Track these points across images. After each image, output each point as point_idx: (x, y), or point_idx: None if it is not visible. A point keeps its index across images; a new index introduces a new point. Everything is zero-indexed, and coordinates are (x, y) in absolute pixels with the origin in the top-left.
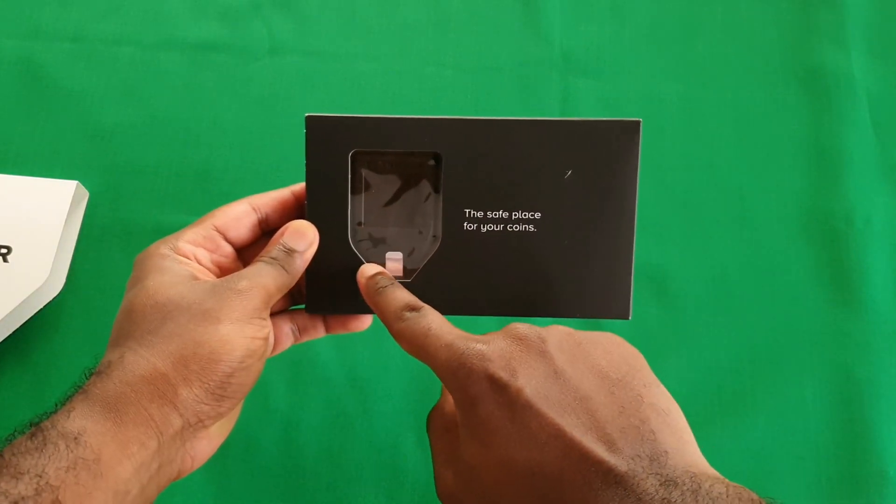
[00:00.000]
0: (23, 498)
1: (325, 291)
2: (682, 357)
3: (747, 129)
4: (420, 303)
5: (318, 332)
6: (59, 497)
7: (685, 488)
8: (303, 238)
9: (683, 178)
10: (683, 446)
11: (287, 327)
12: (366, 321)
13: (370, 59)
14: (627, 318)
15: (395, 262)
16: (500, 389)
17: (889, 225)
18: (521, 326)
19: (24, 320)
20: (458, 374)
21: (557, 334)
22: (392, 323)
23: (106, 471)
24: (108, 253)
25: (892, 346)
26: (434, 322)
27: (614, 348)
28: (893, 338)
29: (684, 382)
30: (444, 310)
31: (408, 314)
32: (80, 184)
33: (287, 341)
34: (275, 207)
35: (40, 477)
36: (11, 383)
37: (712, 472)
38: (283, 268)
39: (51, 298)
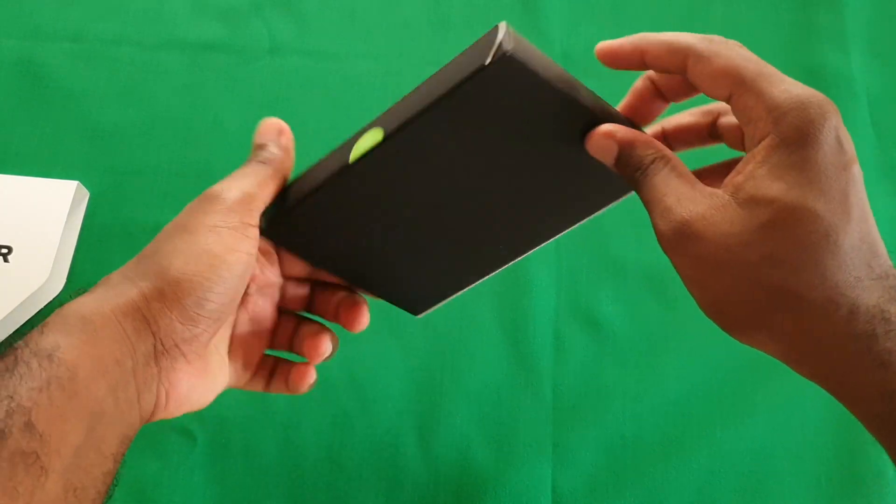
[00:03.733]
0: None
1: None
2: (682, 357)
3: None
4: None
5: (257, 385)
6: (32, 419)
7: None
8: (270, 128)
9: None
10: None
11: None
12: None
13: (370, 59)
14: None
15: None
16: (841, 150)
17: (889, 225)
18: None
19: (24, 320)
20: (809, 110)
21: None
22: (697, 44)
23: (80, 389)
24: (108, 253)
25: None
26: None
27: None
28: None
29: (684, 382)
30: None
31: (718, 39)
32: (80, 184)
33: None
34: None
35: (11, 398)
36: None
37: None
38: (260, 161)
39: (51, 298)
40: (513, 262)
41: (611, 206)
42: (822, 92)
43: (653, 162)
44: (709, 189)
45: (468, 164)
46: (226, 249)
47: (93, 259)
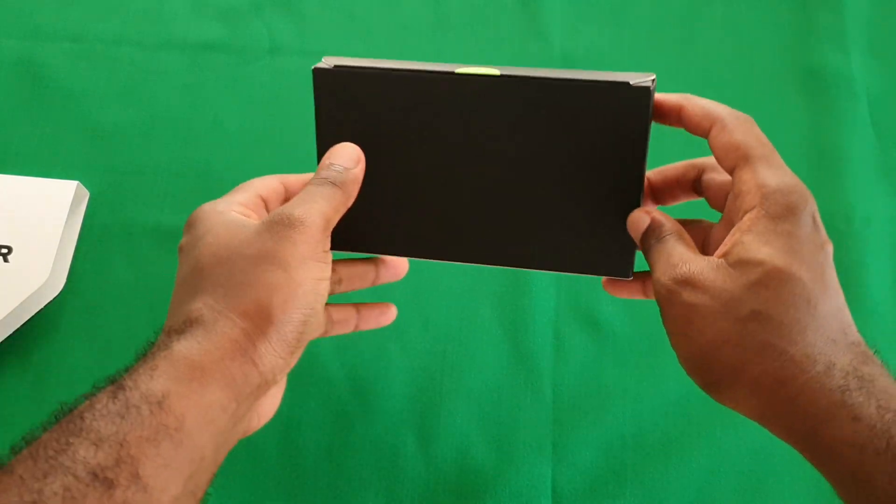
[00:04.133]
0: (101, 468)
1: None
2: None
3: None
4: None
5: (349, 326)
6: (139, 471)
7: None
8: (349, 154)
9: None
10: None
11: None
12: (401, 269)
13: None
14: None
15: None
16: (817, 232)
17: (889, 225)
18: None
19: (24, 320)
20: (793, 193)
21: None
22: (727, 117)
23: (186, 439)
24: (108, 253)
25: (892, 346)
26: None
27: None
28: (893, 338)
29: (685, 382)
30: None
31: (739, 115)
32: (80, 184)
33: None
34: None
35: (121, 446)
36: (11, 383)
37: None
38: (336, 185)
39: (51, 298)
40: (496, 266)
41: (595, 276)
42: (822, 92)
43: (669, 233)
44: (706, 256)
45: (529, 143)
46: (317, 281)
47: (93, 259)
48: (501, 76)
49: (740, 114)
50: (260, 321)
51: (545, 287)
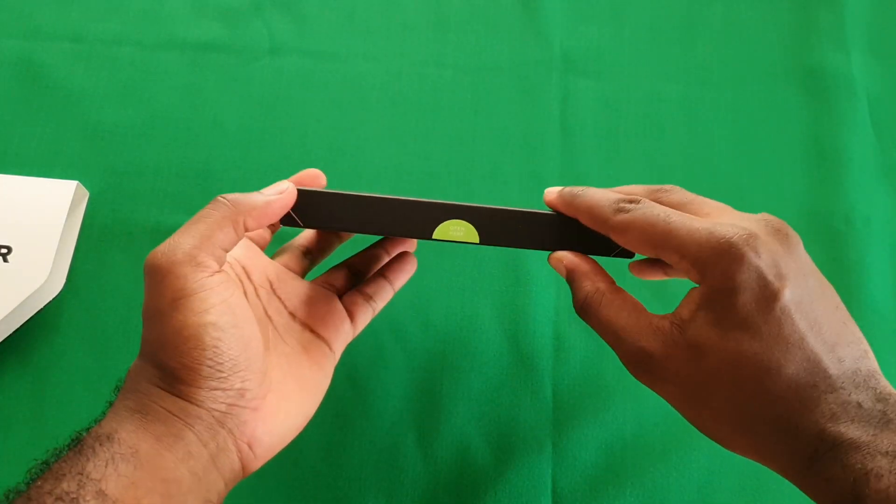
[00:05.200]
0: (66, 493)
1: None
2: None
3: (747, 129)
4: (632, 193)
5: (386, 293)
6: (102, 488)
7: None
8: (274, 188)
9: (683, 177)
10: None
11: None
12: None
13: (370, 59)
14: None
15: None
16: (764, 286)
17: (889, 225)
18: (776, 221)
19: (24, 320)
20: (724, 258)
21: (799, 240)
22: (611, 217)
23: (146, 461)
24: (108, 253)
25: (892, 346)
26: (670, 208)
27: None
28: (893, 337)
29: None
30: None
31: (628, 205)
32: (80, 184)
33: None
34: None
35: (81, 474)
36: (11, 383)
37: None
38: (226, 203)
39: (51, 298)
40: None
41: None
42: (822, 92)
43: (606, 291)
44: (656, 321)
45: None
46: (202, 314)
47: (92, 259)
48: (481, 243)
49: (625, 202)
50: (171, 361)
51: (545, 287)
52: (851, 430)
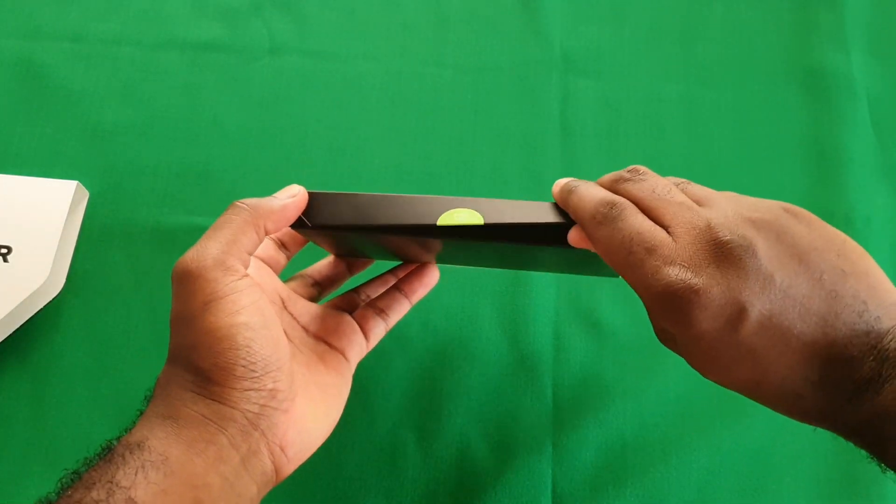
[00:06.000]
0: (96, 501)
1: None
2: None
3: (747, 129)
4: (613, 196)
5: (401, 307)
6: (132, 496)
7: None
8: (286, 191)
9: (684, 177)
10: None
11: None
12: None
13: (370, 59)
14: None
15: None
16: (729, 322)
17: (889, 225)
18: (747, 210)
19: (24, 320)
20: (671, 310)
21: (767, 231)
22: (587, 226)
23: (177, 468)
24: (108, 253)
25: None
26: (633, 226)
27: (817, 228)
28: None
29: (684, 382)
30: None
31: (602, 212)
32: (80, 184)
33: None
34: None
35: (111, 483)
36: (11, 383)
37: None
38: (246, 208)
39: (51, 298)
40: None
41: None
42: (822, 92)
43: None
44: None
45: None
46: (232, 315)
47: (93, 259)
48: (486, 225)
49: (601, 213)
50: (204, 364)
51: (545, 287)
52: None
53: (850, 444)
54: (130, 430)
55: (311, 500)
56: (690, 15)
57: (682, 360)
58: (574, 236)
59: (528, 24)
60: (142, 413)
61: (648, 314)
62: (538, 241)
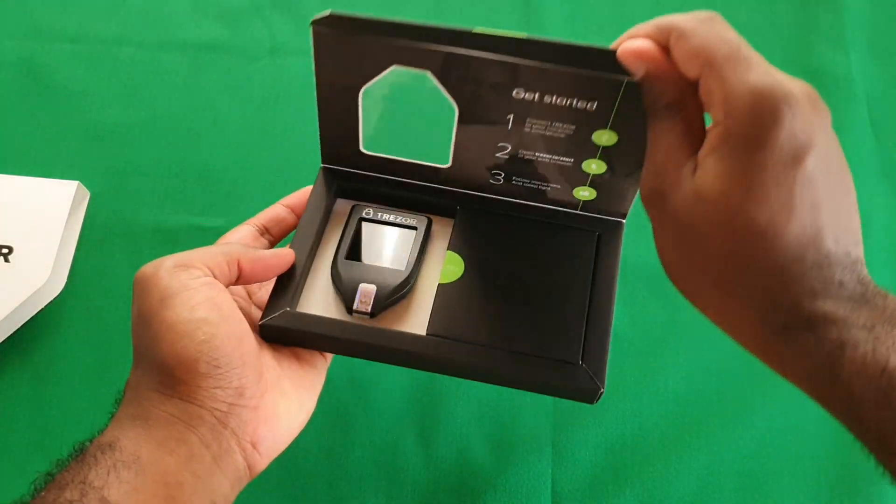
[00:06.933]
0: (69, 502)
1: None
2: (682, 357)
3: None
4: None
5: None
6: (105, 495)
7: (875, 290)
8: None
9: None
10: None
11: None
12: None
13: None
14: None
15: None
16: (791, 147)
17: (889, 225)
18: (812, 90)
19: (24, 320)
20: (761, 111)
21: (829, 114)
22: (689, 24)
23: (148, 467)
24: (108, 253)
25: None
26: (741, 38)
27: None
28: None
29: (684, 382)
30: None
31: (710, 15)
32: (81, 184)
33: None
34: (272, 220)
35: (83, 483)
36: (11, 383)
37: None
38: (228, 245)
39: (51, 298)
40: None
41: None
42: (821, 92)
43: (665, 108)
44: (684, 160)
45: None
46: (192, 308)
47: (93, 259)
48: (528, 39)
49: (704, 15)
50: (166, 377)
51: None
52: (829, 306)
53: (849, 444)
54: (102, 431)
55: (311, 500)
56: None
57: (681, 360)
58: (642, 42)
59: (528, 24)
60: (113, 416)
61: (656, 155)
62: (578, 64)
